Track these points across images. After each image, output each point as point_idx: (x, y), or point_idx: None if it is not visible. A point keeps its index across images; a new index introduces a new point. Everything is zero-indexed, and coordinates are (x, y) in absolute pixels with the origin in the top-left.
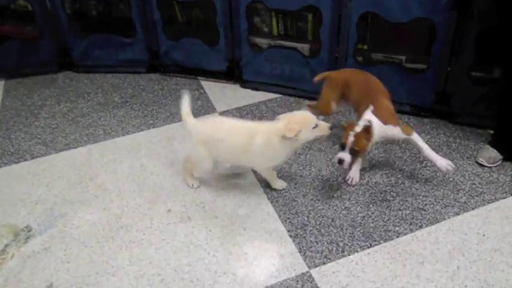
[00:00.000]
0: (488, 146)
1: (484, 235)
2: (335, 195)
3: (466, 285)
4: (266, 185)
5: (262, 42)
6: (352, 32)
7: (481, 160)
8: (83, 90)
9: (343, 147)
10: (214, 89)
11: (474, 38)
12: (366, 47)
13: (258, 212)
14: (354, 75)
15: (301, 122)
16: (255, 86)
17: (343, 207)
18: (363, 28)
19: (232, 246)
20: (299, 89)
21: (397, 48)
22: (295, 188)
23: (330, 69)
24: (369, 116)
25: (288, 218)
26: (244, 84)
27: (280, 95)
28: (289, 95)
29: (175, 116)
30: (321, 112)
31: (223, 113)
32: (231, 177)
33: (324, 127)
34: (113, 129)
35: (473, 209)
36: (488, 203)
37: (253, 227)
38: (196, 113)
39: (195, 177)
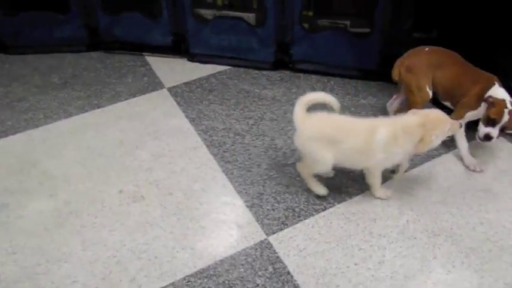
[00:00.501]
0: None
1: (430, 189)
2: (289, 162)
3: (415, 237)
4: (221, 158)
5: (207, 13)
6: None
7: None
8: (16, 73)
9: (491, 123)
10: (160, 64)
11: (414, 1)
12: (311, 13)
13: (213, 185)
14: (441, 55)
15: (437, 126)
16: (203, 59)
17: (297, 175)
18: None
19: (189, 222)
20: (249, 60)
21: (341, 14)
22: (249, 158)
23: (277, 37)
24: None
25: (244, 189)
26: (192, 57)
27: (230, 67)
28: (239, 66)
29: (121, 95)
30: (423, 102)
31: (172, 88)
32: (184, 153)
33: (455, 127)
34: (54, 112)
35: (419, 165)
36: (432, 158)
37: (209, 201)
38: (143, 89)
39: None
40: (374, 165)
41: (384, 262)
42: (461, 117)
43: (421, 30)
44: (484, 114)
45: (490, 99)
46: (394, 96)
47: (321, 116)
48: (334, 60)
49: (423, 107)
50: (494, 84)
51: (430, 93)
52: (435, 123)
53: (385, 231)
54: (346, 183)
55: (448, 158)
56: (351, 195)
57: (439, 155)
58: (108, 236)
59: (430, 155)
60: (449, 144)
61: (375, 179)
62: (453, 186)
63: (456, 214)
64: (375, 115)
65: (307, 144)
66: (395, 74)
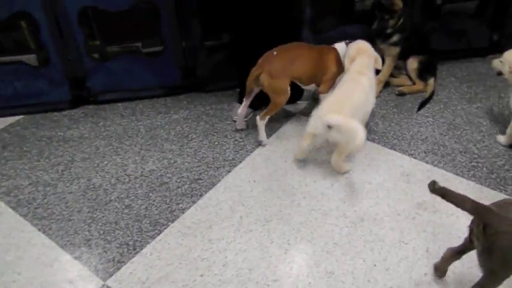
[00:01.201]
0: (237, 103)
1: (254, 181)
2: (112, 198)
3: (251, 230)
4: (33, 217)
5: None
6: (75, 31)
7: (236, 117)
8: None
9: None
10: None
11: (198, 12)
12: (98, 42)
13: (30, 249)
14: (289, 51)
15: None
16: None
17: (123, 207)
18: (88, 24)
19: None
20: (42, 104)
21: (131, 36)
22: (67, 207)
23: (68, 73)
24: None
25: (68, 241)
26: None
27: (23, 116)
28: (33, 112)
29: None
30: (285, 101)
31: None
32: None
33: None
34: None
35: (240, 161)
36: (251, 152)
37: (29, 268)
38: None
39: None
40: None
41: (227, 263)
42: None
43: (213, 37)
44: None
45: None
46: (244, 103)
47: (329, 100)
48: (136, 84)
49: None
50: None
51: (289, 91)
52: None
53: (222, 233)
54: (176, 200)
55: (265, 148)
56: (183, 210)
57: (256, 147)
58: None
59: (248, 150)
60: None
61: (345, 152)
62: (274, 172)
63: (282, 196)
64: (190, 126)
65: (343, 125)
66: (249, 83)
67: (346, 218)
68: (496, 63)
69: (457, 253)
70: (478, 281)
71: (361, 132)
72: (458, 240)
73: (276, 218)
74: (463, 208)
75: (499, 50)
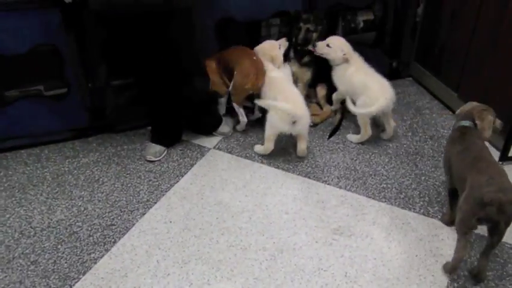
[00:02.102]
0: (150, 142)
1: (170, 221)
2: (15, 255)
3: (168, 274)
4: None
5: None
6: None
7: (149, 157)
8: None
9: None
10: None
11: (102, 53)
12: None
13: None
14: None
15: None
16: None
17: (29, 263)
18: None
19: None
20: None
21: (31, 79)
22: None
23: None
24: None
25: None
26: None
27: None
28: None
29: None
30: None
31: None
32: None
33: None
34: None
35: (155, 202)
36: (166, 191)
37: None
38: None
39: None
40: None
41: None
42: None
43: (120, 76)
44: None
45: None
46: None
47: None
48: (40, 129)
49: None
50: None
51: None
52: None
53: (138, 281)
54: (88, 249)
55: (180, 185)
56: (95, 260)
57: (171, 186)
58: None
59: (163, 190)
60: (177, 173)
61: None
62: (191, 210)
63: (200, 235)
64: (101, 170)
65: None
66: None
67: (266, 251)
68: (322, 46)
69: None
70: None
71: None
72: (374, 262)
73: (194, 258)
74: None
75: (398, 76)
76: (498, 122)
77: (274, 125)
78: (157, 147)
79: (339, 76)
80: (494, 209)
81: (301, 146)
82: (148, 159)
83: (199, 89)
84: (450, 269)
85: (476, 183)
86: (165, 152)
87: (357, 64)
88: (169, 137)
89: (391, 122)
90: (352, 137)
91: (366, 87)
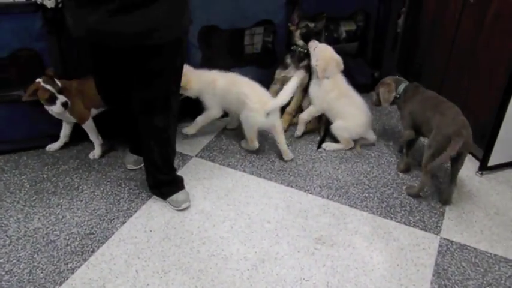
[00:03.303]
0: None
1: (151, 231)
2: None
3: (148, 284)
4: None
5: None
6: None
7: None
8: None
9: None
10: None
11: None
12: None
13: None
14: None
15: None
16: None
17: (3, 273)
18: None
19: None
20: None
21: (11, 84)
22: None
23: None
24: None
25: None
26: None
27: None
28: None
29: None
30: None
31: None
32: None
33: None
34: None
35: (136, 211)
36: (147, 200)
37: None
38: None
39: None
40: None
41: None
42: None
43: None
44: None
45: None
46: None
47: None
48: (19, 134)
49: None
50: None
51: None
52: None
53: None
54: (65, 259)
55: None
56: (72, 270)
57: (152, 195)
58: None
59: (144, 198)
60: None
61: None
62: (171, 219)
63: (180, 244)
64: (81, 177)
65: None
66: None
67: (247, 261)
68: (312, 45)
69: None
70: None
71: None
72: (356, 272)
73: (175, 267)
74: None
75: None
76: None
77: (252, 123)
78: (135, 157)
79: (315, 92)
80: (459, 142)
81: (282, 145)
82: (129, 168)
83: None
84: (414, 194)
85: (442, 123)
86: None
87: (340, 88)
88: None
89: (371, 136)
90: (332, 146)
91: (346, 114)
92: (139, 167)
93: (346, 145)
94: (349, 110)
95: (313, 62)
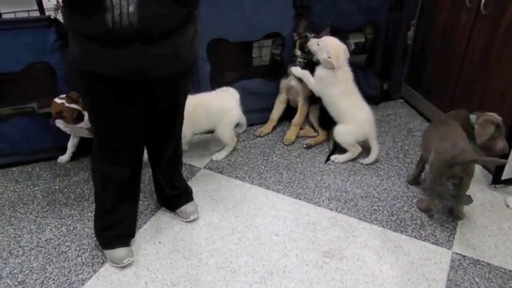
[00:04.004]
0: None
1: (160, 242)
2: (3, 274)
3: None
4: None
5: None
6: None
7: None
8: None
9: None
10: None
11: None
12: None
13: None
14: None
15: None
16: None
17: (16, 284)
18: None
19: None
20: None
21: (25, 97)
22: None
23: None
24: None
25: None
26: None
27: None
28: None
29: None
30: None
31: None
32: None
33: None
34: None
35: (145, 223)
36: (155, 211)
37: None
38: None
39: None
40: None
41: None
42: None
43: None
44: None
45: None
46: None
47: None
48: (32, 146)
49: None
50: None
51: None
52: None
53: None
54: (76, 270)
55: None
56: (83, 282)
57: (161, 206)
58: None
59: (153, 209)
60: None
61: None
62: (180, 231)
63: (189, 256)
64: (92, 188)
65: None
66: None
67: (255, 274)
68: (314, 43)
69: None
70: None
71: None
72: (365, 286)
73: (183, 280)
74: None
75: (389, 98)
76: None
77: (230, 127)
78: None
79: (320, 78)
80: (459, 168)
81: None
82: None
83: None
84: (423, 210)
85: (441, 149)
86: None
87: (347, 84)
88: None
89: (375, 146)
90: (341, 157)
91: (347, 113)
92: None
93: (353, 151)
94: (351, 110)
95: (324, 56)
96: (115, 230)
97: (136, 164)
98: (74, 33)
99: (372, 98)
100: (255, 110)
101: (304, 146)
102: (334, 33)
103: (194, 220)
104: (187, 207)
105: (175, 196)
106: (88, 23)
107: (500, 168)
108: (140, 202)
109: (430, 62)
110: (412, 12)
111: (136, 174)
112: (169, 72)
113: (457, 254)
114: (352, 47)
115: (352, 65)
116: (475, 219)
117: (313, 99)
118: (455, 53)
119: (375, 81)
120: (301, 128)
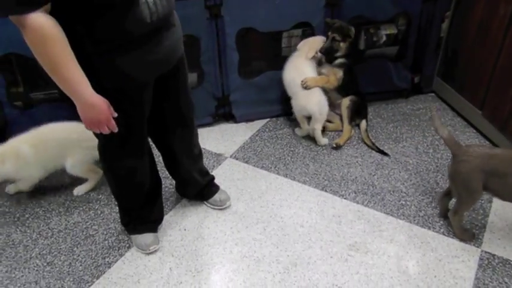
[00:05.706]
0: None
1: (185, 229)
2: (33, 255)
3: (181, 282)
4: None
5: None
6: None
7: None
8: None
9: None
10: None
11: None
12: (21, 89)
13: None
14: None
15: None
16: None
17: (45, 264)
18: (11, 70)
19: None
20: None
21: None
22: None
23: None
24: None
25: None
26: None
27: None
28: None
29: None
30: None
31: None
32: None
33: None
34: None
35: (171, 209)
36: (181, 199)
37: None
38: None
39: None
40: None
41: None
42: None
43: None
44: None
45: None
46: None
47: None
48: None
49: None
50: None
51: None
52: None
53: (151, 287)
54: (103, 253)
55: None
56: (109, 265)
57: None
58: None
59: (179, 197)
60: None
61: None
62: (205, 218)
63: (213, 244)
64: None
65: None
66: None
67: (279, 264)
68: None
69: (445, 194)
70: (452, 208)
71: None
72: (390, 281)
73: (208, 267)
74: (440, 135)
75: (420, 91)
76: None
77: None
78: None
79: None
80: None
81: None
82: None
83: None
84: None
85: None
86: None
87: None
88: None
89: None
90: (298, 131)
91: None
92: None
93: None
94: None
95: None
96: (141, 217)
97: (151, 151)
98: (105, 57)
99: (402, 91)
100: (281, 101)
101: (334, 145)
102: (365, 24)
103: (228, 207)
104: (220, 195)
105: (207, 185)
106: (124, 29)
107: None
108: (166, 189)
109: (464, 54)
110: (447, 3)
111: (154, 162)
112: (180, 54)
113: (486, 252)
114: (384, 38)
115: (383, 57)
116: (506, 218)
117: (344, 89)
118: (491, 46)
119: (406, 74)
120: (329, 121)
